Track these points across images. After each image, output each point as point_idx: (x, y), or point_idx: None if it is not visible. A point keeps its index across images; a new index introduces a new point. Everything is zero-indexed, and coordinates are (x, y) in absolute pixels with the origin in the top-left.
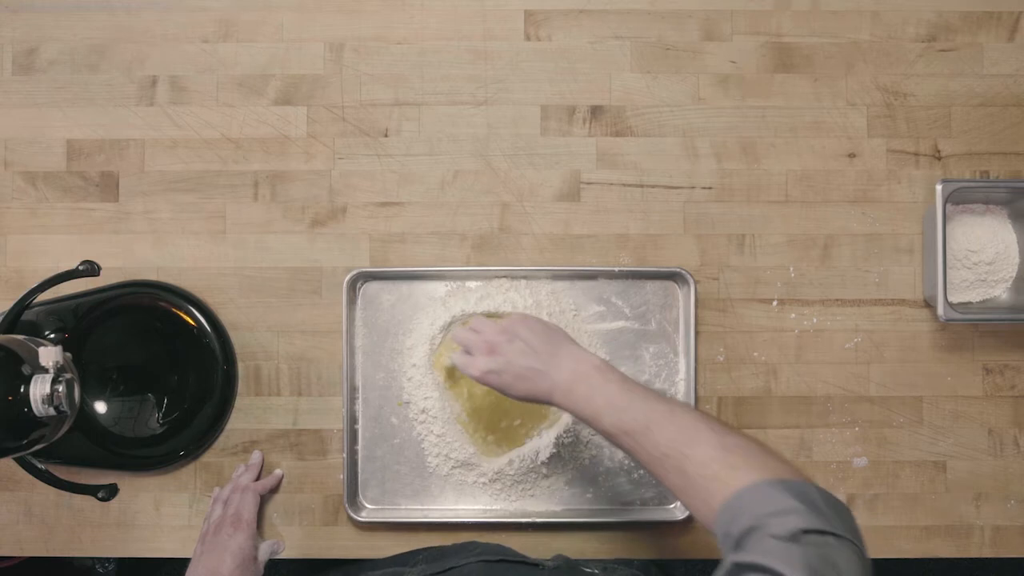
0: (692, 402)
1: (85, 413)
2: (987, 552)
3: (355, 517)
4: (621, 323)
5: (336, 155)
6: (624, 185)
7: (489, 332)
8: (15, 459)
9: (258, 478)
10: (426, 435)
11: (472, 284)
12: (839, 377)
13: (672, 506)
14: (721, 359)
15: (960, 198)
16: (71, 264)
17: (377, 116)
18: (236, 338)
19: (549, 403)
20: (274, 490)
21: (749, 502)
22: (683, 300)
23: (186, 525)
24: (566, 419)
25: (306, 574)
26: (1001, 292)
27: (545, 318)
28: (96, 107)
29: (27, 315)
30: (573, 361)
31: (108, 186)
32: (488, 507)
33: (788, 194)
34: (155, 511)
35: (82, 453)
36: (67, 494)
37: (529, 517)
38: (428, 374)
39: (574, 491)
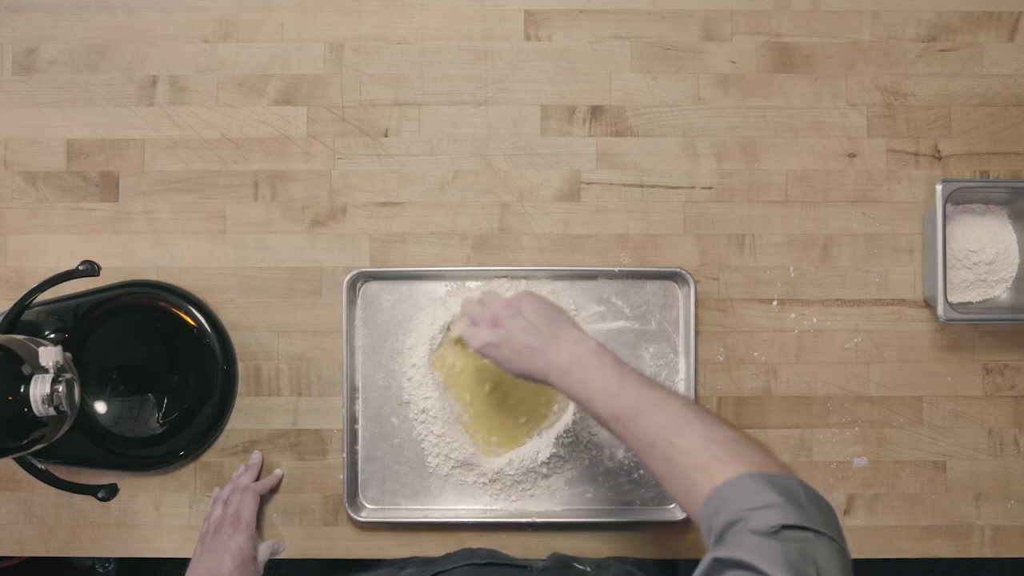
0: None
1: (85, 413)
2: (987, 552)
3: (355, 517)
4: (621, 323)
5: (336, 155)
6: (624, 185)
7: (495, 305)
8: (15, 459)
9: (258, 478)
10: (426, 435)
11: (472, 284)
12: (839, 377)
13: (672, 506)
14: (721, 359)
15: (960, 198)
16: (71, 264)
17: (377, 116)
18: (236, 338)
19: (545, 382)
20: (274, 490)
21: (732, 495)
22: (683, 300)
23: (186, 525)
24: (566, 419)
25: (306, 574)
26: (1001, 292)
27: None
28: (96, 107)
29: (27, 315)
30: (572, 343)
31: (108, 186)
32: (488, 507)
33: (788, 194)
34: (155, 511)
35: (82, 453)
36: (67, 494)
37: (529, 517)
38: (428, 374)
39: (574, 491)
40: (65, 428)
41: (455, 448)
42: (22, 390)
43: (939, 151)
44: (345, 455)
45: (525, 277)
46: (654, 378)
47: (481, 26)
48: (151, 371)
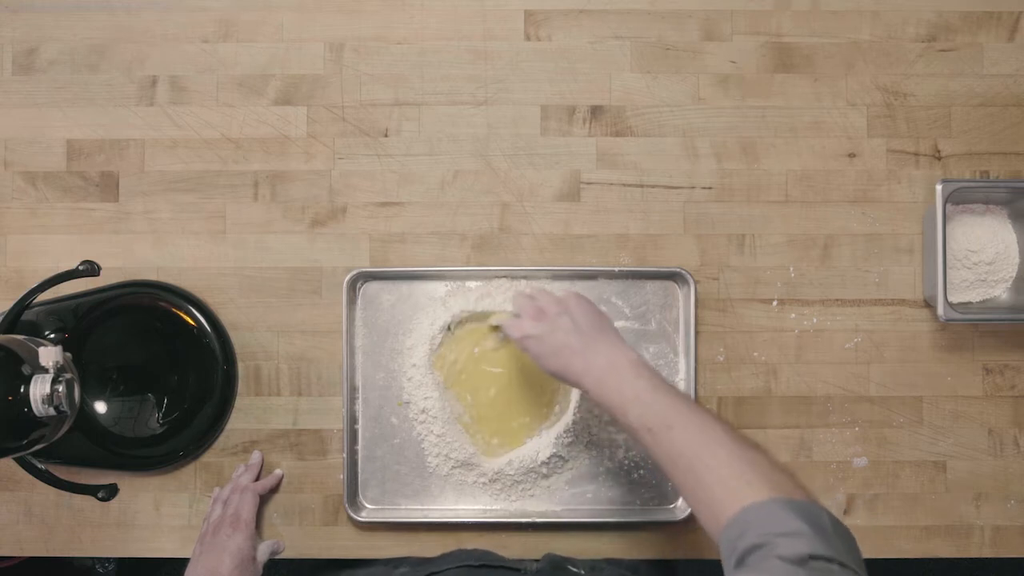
0: None
1: (85, 413)
2: (987, 552)
3: (355, 517)
4: (621, 323)
5: (336, 155)
6: (624, 185)
7: (543, 300)
8: (15, 459)
9: (258, 478)
10: (426, 435)
11: (472, 284)
12: (839, 377)
13: (672, 506)
14: (721, 359)
15: (960, 198)
16: (71, 264)
17: (377, 116)
18: (236, 338)
19: (578, 385)
20: (274, 490)
21: (758, 518)
22: (683, 300)
23: (186, 525)
24: (566, 419)
25: (306, 574)
26: (1001, 292)
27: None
28: (96, 107)
29: (27, 315)
30: (611, 350)
31: (108, 186)
32: (488, 507)
33: (788, 194)
34: (155, 511)
35: (82, 453)
36: (67, 494)
37: (529, 517)
38: (428, 374)
39: (574, 491)
40: (65, 428)
41: (455, 448)
42: (22, 390)
43: (939, 151)
44: (345, 455)
45: (525, 277)
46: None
47: (481, 26)
48: (151, 371)
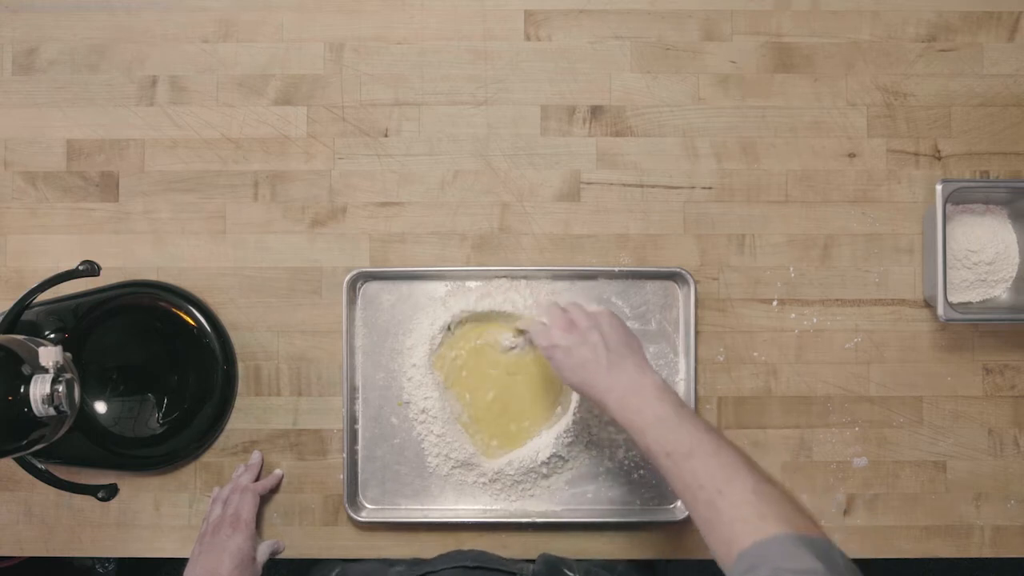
0: (692, 402)
1: (85, 413)
2: (987, 552)
3: (355, 517)
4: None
5: (336, 155)
6: (624, 185)
7: (575, 313)
8: (15, 459)
9: (258, 478)
10: (426, 435)
11: (472, 284)
12: (839, 377)
13: (672, 506)
14: (721, 359)
15: (960, 198)
16: (71, 264)
17: (377, 116)
18: (236, 338)
19: (597, 402)
20: (274, 490)
21: (772, 553)
22: (683, 300)
23: (186, 525)
24: (566, 420)
25: (301, 570)
26: (1001, 292)
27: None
28: (96, 107)
29: (27, 315)
30: (637, 372)
31: (108, 186)
32: (488, 507)
33: (788, 194)
34: (155, 511)
35: (82, 453)
36: (67, 494)
37: (529, 517)
38: (428, 374)
39: (574, 491)
40: (65, 428)
41: (455, 448)
42: (22, 390)
43: (939, 151)
44: (345, 455)
45: (525, 277)
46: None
47: (481, 26)
48: (151, 371)
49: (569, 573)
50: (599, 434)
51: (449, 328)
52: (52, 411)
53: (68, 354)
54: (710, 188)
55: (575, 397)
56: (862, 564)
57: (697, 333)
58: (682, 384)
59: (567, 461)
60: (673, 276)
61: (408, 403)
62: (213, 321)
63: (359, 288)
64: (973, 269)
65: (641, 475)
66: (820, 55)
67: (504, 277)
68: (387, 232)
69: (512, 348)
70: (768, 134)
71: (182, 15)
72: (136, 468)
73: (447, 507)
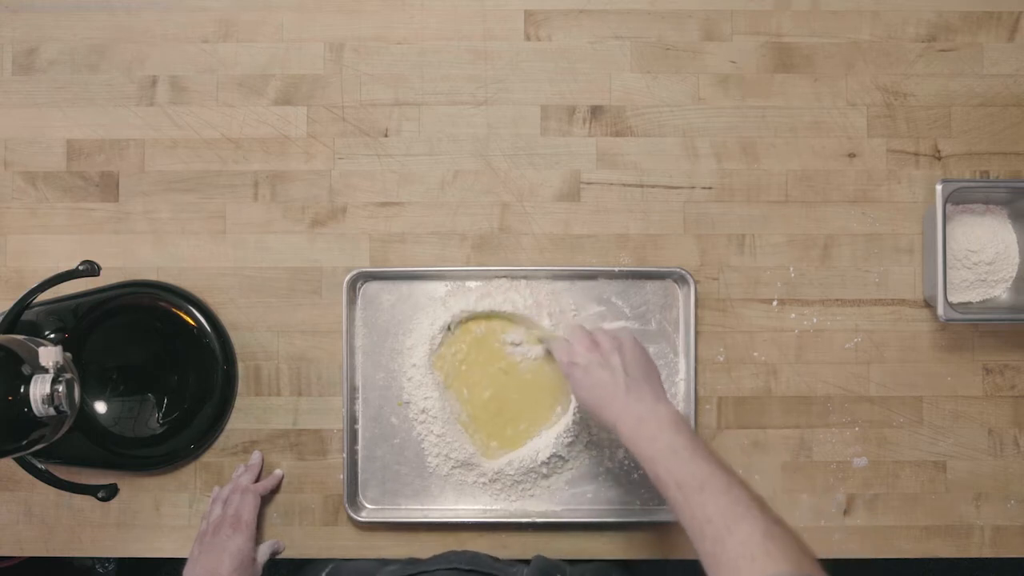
0: (692, 402)
1: (85, 413)
2: (987, 552)
3: (355, 517)
4: (621, 323)
5: (336, 155)
6: (624, 185)
7: (599, 335)
8: (15, 459)
9: (258, 478)
10: (426, 435)
11: (472, 284)
12: (839, 377)
13: None
14: (721, 359)
15: (960, 198)
16: (71, 264)
17: (377, 116)
18: (236, 338)
19: (609, 425)
20: (274, 490)
21: None
22: (683, 300)
23: (186, 525)
24: (566, 420)
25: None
26: (1001, 292)
27: (545, 318)
28: (96, 107)
29: (27, 315)
30: (654, 400)
31: (108, 186)
32: (488, 507)
33: (788, 194)
34: (155, 511)
35: (82, 453)
36: (67, 494)
37: (529, 517)
38: (428, 374)
39: (574, 491)
40: (65, 428)
41: (455, 448)
42: (22, 390)
43: (939, 151)
44: (345, 455)
45: (525, 277)
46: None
47: (481, 26)
48: (151, 371)
49: None
50: (599, 434)
51: (449, 328)
52: (52, 411)
53: (68, 354)
54: (710, 188)
55: (575, 398)
56: (862, 564)
57: (697, 333)
58: (682, 384)
59: (567, 461)
60: (673, 276)
61: (408, 403)
62: (213, 321)
63: (359, 288)
64: (973, 269)
65: (641, 475)
66: (820, 55)
67: (504, 277)
68: (387, 232)
69: (518, 344)
70: (768, 134)
71: (182, 15)
72: (136, 468)
73: (447, 507)
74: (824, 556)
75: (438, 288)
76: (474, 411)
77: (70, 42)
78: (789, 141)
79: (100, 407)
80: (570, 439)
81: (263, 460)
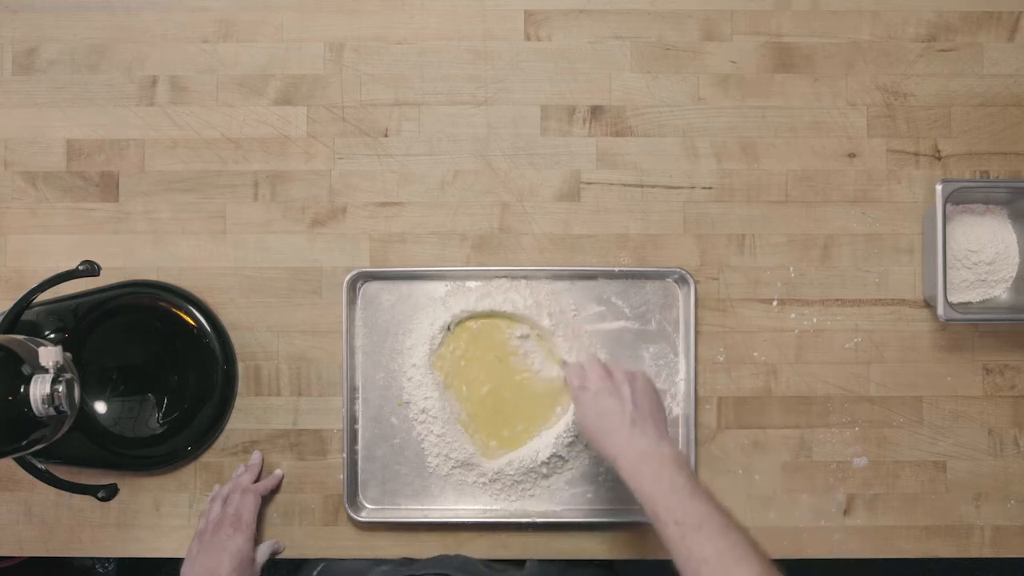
0: (692, 402)
1: (85, 413)
2: (987, 552)
3: (355, 517)
4: (621, 323)
5: (336, 155)
6: (624, 185)
7: (614, 366)
8: (15, 459)
9: (258, 478)
10: (426, 435)
11: (472, 284)
12: (839, 377)
13: None
14: (721, 359)
15: (960, 198)
16: (71, 264)
17: (377, 116)
18: (236, 338)
19: (610, 458)
20: (274, 490)
21: None
22: (683, 300)
23: (186, 525)
24: (566, 419)
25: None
26: (1001, 292)
27: (545, 318)
28: (96, 107)
29: (27, 315)
30: (657, 438)
31: (108, 186)
32: (488, 507)
33: (788, 194)
34: (155, 511)
35: (82, 453)
36: (67, 494)
37: (529, 517)
38: (428, 374)
39: (574, 491)
40: (65, 428)
41: (455, 448)
42: (22, 390)
43: (939, 151)
44: (345, 455)
45: (525, 277)
46: (654, 379)
47: (481, 26)
48: (151, 371)
49: None
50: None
51: (449, 328)
52: (52, 411)
53: (68, 354)
54: (710, 188)
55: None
56: (862, 564)
57: (697, 333)
58: (682, 384)
59: (567, 461)
60: (673, 276)
61: (408, 403)
62: (213, 321)
63: (359, 288)
64: (973, 269)
65: None
66: (820, 55)
67: (504, 277)
68: (387, 232)
69: (524, 337)
70: (768, 134)
71: (182, 15)
72: (136, 468)
73: (447, 507)
74: (824, 556)
75: (438, 288)
76: (473, 409)
77: (70, 42)
78: (789, 141)
79: (100, 407)
80: (570, 439)
81: (263, 460)
